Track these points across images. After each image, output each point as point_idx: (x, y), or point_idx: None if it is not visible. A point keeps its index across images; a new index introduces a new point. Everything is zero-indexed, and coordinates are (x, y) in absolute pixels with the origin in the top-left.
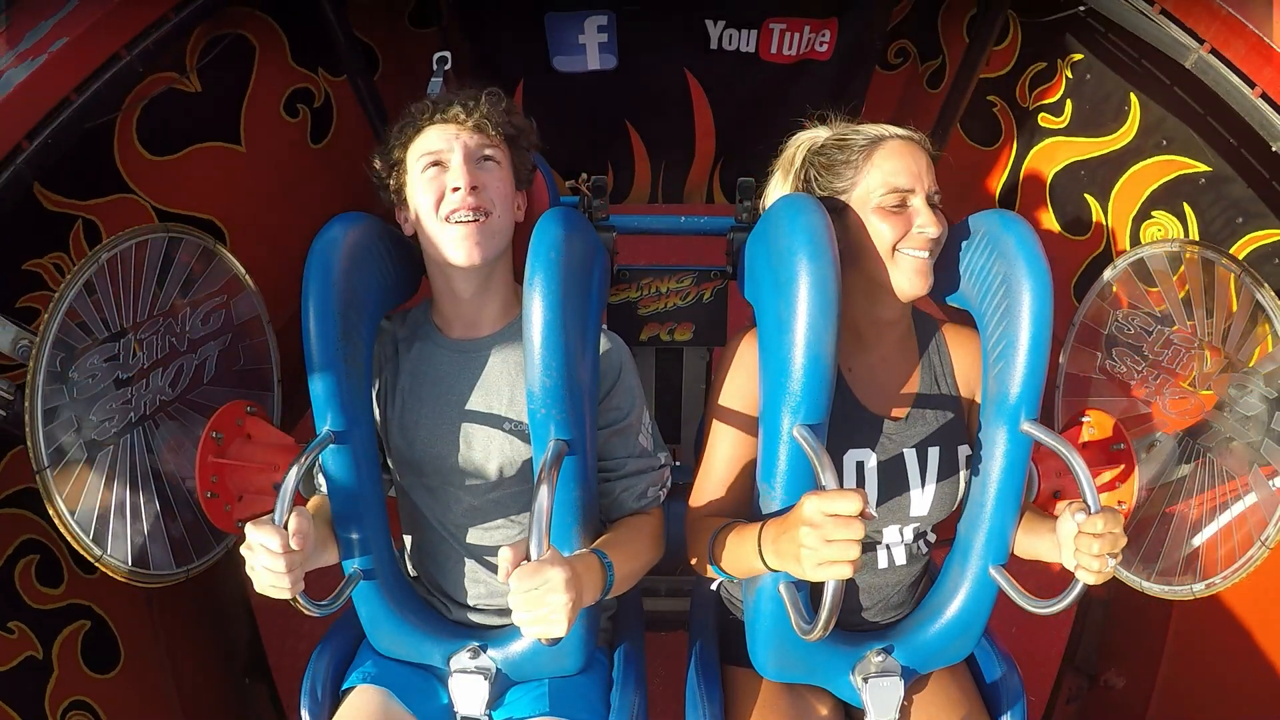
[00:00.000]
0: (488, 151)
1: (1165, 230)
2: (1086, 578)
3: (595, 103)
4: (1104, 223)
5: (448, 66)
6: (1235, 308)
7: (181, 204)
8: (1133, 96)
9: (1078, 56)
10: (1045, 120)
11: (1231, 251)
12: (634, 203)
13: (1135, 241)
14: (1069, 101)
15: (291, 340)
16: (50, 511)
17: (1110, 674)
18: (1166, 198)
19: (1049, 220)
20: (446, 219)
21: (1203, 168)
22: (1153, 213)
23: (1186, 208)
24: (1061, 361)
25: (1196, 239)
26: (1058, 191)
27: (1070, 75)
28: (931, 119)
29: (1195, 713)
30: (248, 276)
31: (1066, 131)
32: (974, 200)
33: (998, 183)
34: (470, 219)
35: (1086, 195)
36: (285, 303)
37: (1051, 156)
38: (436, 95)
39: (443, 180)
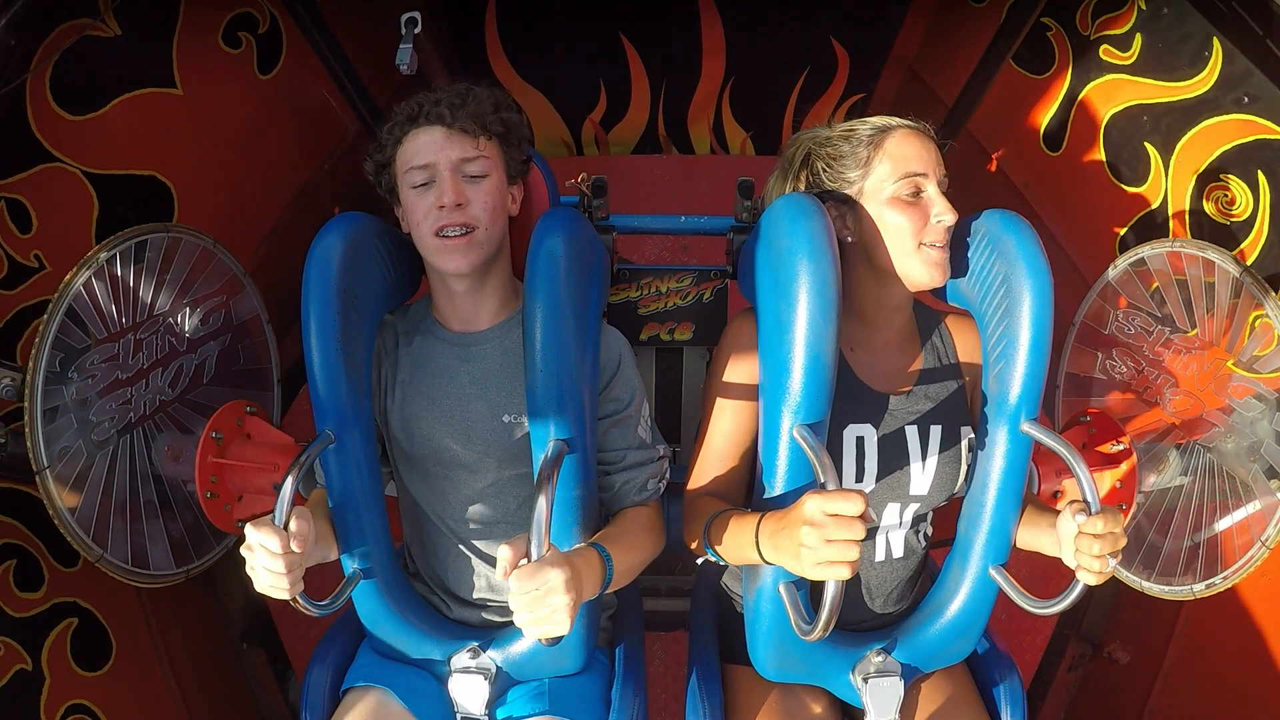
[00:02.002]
0: (473, 166)
1: (1232, 196)
2: (1087, 578)
3: (583, 13)
4: (1163, 177)
5: (417, 29)
6: (1236, 308)
7: (116, 163)
8: (1216, 41)
9: None
10: (1108, 53)
11: None
12: (630, 129)
13: (1196, 203)
14: (1139, 36)
15: (291, 340)
16: (50, 512)
17: (1114, 646)
18: (1240, 161)
19: (1100, 165)
20: (435, 233)
21: None
22: (1221, 175)
23: (1261, 176)
24: (1061, 361)
25: (1192, 238)
26: (1114, 134)
27: (1144, 6)
28: (977, 42)
29: (1201, 704)
30: (246, 276)
31: (1132, 70)
32: (1014, 132)
33: (1044, 115)
34: (457, 234)
35: (1147, 144)
36: (273, 279)
37: (1111, 95)
38: (422, 96)
39: (429, 196)
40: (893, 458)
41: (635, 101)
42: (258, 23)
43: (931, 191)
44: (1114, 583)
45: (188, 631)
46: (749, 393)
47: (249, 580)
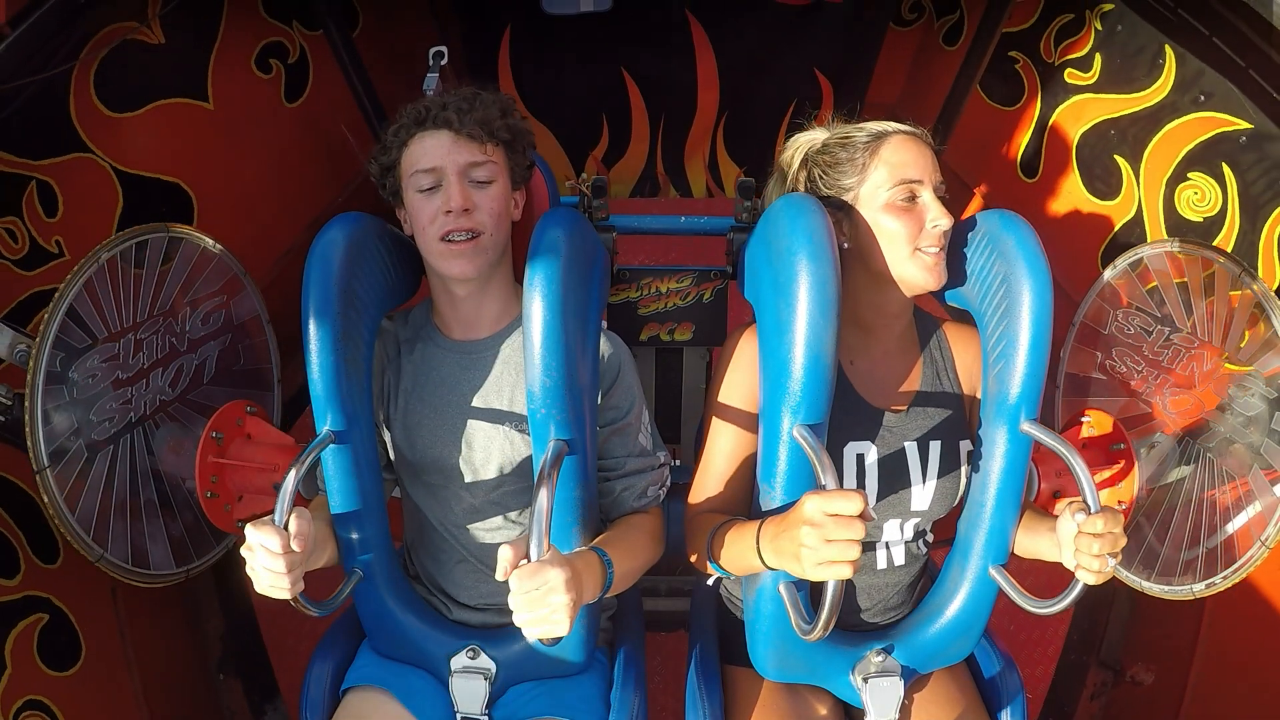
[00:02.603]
0: (480, 171)
1: (1202, 193)
2: (1086, 578)
3: (589, 48)
4: (1135, 186)
5: (444, 61)
6: (1235, 307)
7: (144, 165)
8: (1168, 49)
9: (1108, 6)
10: (1072, 76)
11: (1275, 215)
12: (630, 166)
13: (1169, 206)
14: (1098, 55)
15: (291, 340)
16: (50, 512)
17: (1137, 669)
18: (1204, 158)
19: (1075, 184)
20: (441, 237)
21: (1244, 125)
22: (1189, 174)
23: (1225, 169)
24: (1061, 361)
25: (1186, 238)
26: (1085, 153)
27: (1100, 27)
28: (949, 78)
29: (1232, 712)
30: (247, 276)
31: (1095, 88)
32: (993, 165)
33: (1019, 145)
34: (463, 239)
35: (1116, 156)
36: (285, 299)
37: (1079, 115)
38: (429, 100)
39: (436, 200)
40: (893, 476)
41: (635, 135)
42: (288, 52)
43: (927, 197)
44: (1130, 602)
45: (165, 651)
46: (747, 415)
47: (232, 607)
